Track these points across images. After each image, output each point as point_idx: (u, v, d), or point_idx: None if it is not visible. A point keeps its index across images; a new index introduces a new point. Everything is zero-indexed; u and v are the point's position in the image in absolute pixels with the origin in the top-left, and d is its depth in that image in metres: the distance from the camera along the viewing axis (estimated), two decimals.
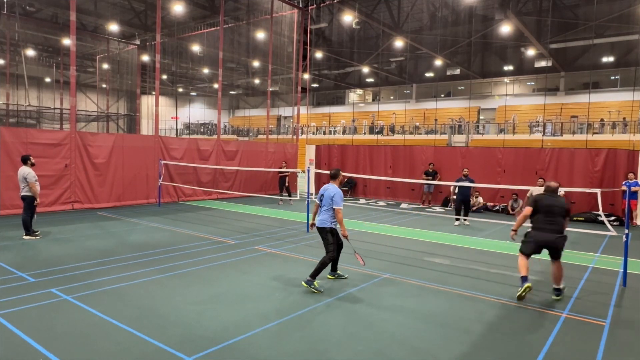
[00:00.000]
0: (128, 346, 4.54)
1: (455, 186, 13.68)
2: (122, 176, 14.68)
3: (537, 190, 11.45)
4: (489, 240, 10.80)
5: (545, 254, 6.57)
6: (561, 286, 6.46)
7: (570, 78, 33.77)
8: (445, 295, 6.49)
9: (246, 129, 44.83)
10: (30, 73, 29.61)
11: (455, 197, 13.75)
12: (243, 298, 6.09)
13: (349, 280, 7.08)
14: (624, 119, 28.73)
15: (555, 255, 6.42)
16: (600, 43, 28.41)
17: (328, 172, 7.02)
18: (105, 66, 31.94)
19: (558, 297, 6.40)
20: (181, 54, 32.65)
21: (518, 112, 33.89)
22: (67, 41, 25.45)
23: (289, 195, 16.99)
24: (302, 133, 32.84)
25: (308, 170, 12.26)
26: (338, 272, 7.13)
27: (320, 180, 20.55)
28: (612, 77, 32.81)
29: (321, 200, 6.70)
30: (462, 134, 31.26)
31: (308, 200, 11.63)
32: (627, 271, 7.26)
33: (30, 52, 30.51)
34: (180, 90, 47.08)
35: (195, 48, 30.73)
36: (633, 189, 12.77)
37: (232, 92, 49.05)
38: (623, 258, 7.19)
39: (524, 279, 6.24)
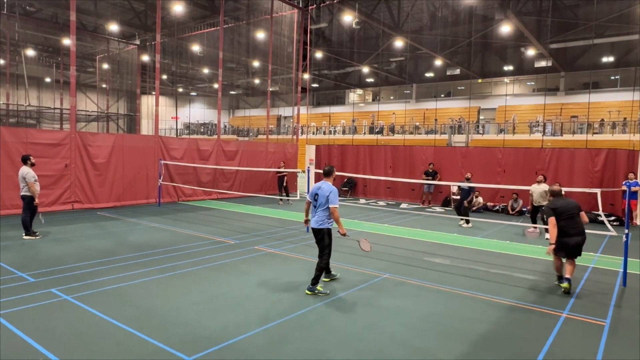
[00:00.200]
0: (128, 346, 4.54)
1: (458, 187, 13.71)
2: (122, 176, 14.68)
3: (536, 188, 11.43)
4: (489, 240, 10.81)
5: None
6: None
7: (570, 78, 33.77)
8: (445, 295, 6.49)
9: (246, 129, 44.83)
10: (30, 73, 29.60)
11: (457, 197, 13.82)
12: (243, 298, 6.09)
13: (349, 280, 7.08)
14: (624, 119, 28.73)
15: (578, 254, 6.83)
16: (600, 43, 28.42)
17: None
18: (105, 66, 31.94)
19: (566, 285, 6.68)
20: (181, 54, 32.64)
21: (518, 112, 33.88)
22: (67, 41, 25.46)
23: (287, 195, 16.99)
24: (302, 133, 32.84)
25: (308, 170, 12.26)
26: (332, 272, 7.07)
27: (320, 180, 20.56)
28: (612, 77, 32.80)
29: (315, 199, 6.44)
30: (462, 134, 31.25)
31: None
32: (627, 271, 7.26)
33: (30, 52, 30.50)
34: (180, 90, 47.08)
35: (195, 48, 30.73)
36: (633, 189, 12.77)
37: (232, 92, 49.05)
38: (623, 258, 7.19)
39: (562, 278, 6.83)
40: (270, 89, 22.82)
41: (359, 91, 46.11)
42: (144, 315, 5.37)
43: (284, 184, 16.93)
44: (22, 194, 9.32)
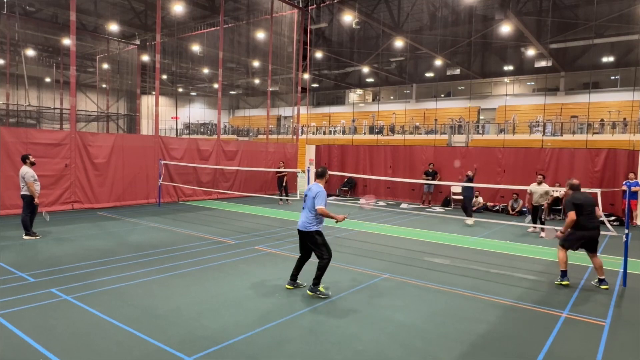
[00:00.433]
0: (128, 346, 4.54)
1: (462, 186, 13.91)
2: (122, 176, 14.67)
3: (535, 187, 11.40)
4: (489, 240, 10.80)
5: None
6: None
7: (570, 78, 33.77)
8: (445, 295, 6.49)
9: (246, 129, 44.83)
10: (30, 73, 29.58)
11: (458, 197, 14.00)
12: (243, 298, 6.09)
13: (349, 280, 7.08)
14: (624, 119, 28.73)
15: (594, 248, 7.01)
16: (600, 43, 28.41)
17: (328, 172, 6.81)
18: (105, 66, 31.93)
19: (606, 287, 6.86)
20: (181, 54, 32.63)
21: (518, 112, 33.88)
22: (67, 41, 25.45)
23: (287, 195, 16.99)
24: (302, 133, 32.84)
25: (308, 170, 12.26)
26: (298, 281, 6.57)
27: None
28: (612, 77, 32.80)
29: (304, 200, 6.31)
30: (462, 134, 31.24)
31: None
32: (627, 271, 7.26)
33: (30, 52, 30.50)
34: (180, 90, 47.08)
35: (195, 48, 30.72)
36: (633, 189, 12.77)
37: (232, 92, 49.05)
38: (623, 258, 7.19)
39: (565, 273, 7.04)
40: (270, 89, 22.81)
41: (359, 91, 46.11)
42: (144, 315, 5.37)
43: (284, 183, 16.94)
44: (22, 193, 9.31)
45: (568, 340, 5.03)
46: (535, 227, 11.70)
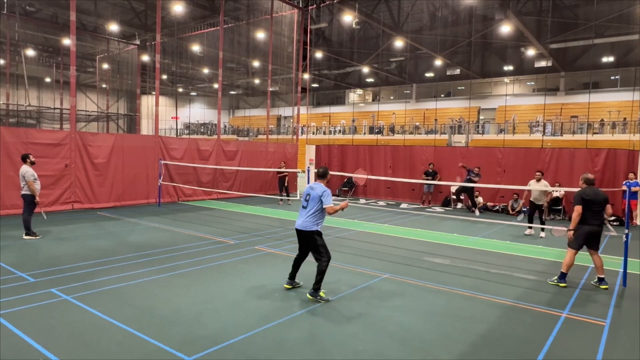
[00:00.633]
0: (128, 346, 4.54)
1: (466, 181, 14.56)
2: (122, 176, 14.67)
3: (535, 185, 11.38)
4: (489, 240, 10.81)
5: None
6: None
7: (570, 78, 33.77)
8: (445, 295, 6.49)
9: (246, 129, 44.82)
10: (30, 73, 29.58)
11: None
12: (243, 298, 6.09)
13: (348, 280, 7.08)
14: (624, 119, 28.73)
15: (597, 245, 7.02)
16: (600, 43, 28.41)
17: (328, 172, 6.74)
18: (105, 66, 31.93)
19: (606, 287, 6.87)
20: (181, 54, 32.64)
21: (518, 112, 33.88)
22: (67, 41, 25.45)
23: (287, 196, 16.98)
24: (302, 133, 32.83)
25: (308, 170, 12.26)
26: (296, 280, 6.56)
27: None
28: (612, 77, 32.80)
29: (306, 200, 6.18)
30: (462, 134, 31.24)
31: None
32: (627, 271, 7.26)
33: (30, 52, 30.49)
34: (180, 90, 47.07)
35: (195, 48, 30.72)
36: (633, 189, 12.77)
37: (232, 92, 49.04)
38: (623, 258, 7.19)
39: (564, 275, 7.04)
40: (270, 89, 22.81)
41: (359, 91, 46.11)
42: (144, 315, 5.37)
43: (285, 184, 16.91)
44: (22, 193, 9.32)
45: (568, 340, 5.03)
46: (531, 229, 11.69)
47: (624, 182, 13.48)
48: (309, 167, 12.75)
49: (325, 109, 45.85)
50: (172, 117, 42.85)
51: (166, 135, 26.17)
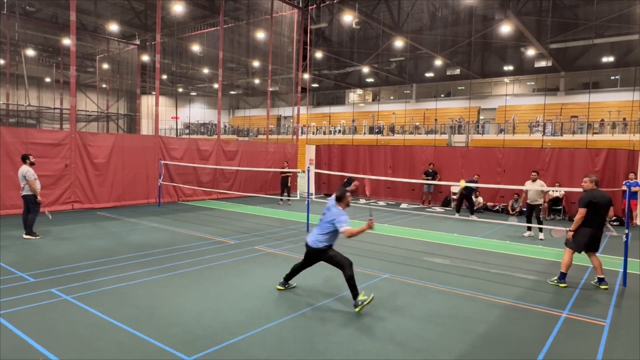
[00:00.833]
0: (128, 346, 4.54)
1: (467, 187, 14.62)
2: (122, 176, 14.67)
3: (531, 185, 11.29)
4: (489, 240, 10.80)
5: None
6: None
7: (570, 78, 33.77)
8: (445, 295, 6.49)
9: (246, 129, 44.82)
10: (30, 73, 29.57)
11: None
12: (243, 298, 6.09)
13: None
14: (624, 119, 28.72)
15: (597, 247, 7.03)
16: (600, 43, 28.41)
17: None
18: (105, 66, 31.93)
19: (606, 287, 6.89)
20: (181, 54, 32.64)
21: (518, 112, 33.88)
22: (67, 41, 25.44)
23: (289, 196, 16.97)
24: (302, 133, 32.83)
25: (308, 171, 12.26)
26: (290, 281, 6.56)
27: (320, 181, 20.55)
28: (612, 77, 32.80)
29: (324, 215, 6.06)
30: (462, 134, 31.25)
31: (308, 201, 11.65)
32: (627, 271, 7.26)
33: (30, 52, 30.49)
34: (180, 90, 47.07)
35: (195, 48, 30.72)
36: (633, 189, 12.77)
37: (232, 92, 49.03)
38: (623, 258, 7.19)
39: (564, 276, 7.06)
40: (270, 89, 22.81)
41: (359, 91, 46.10)
42: (144, 315, 5.37)
43: (288, 184, 16.88)
44: (23, 194, 9.31)
45: (568, 340, 5.03)
46: (530, 230, 11.66)
47: (624, 182, 13.48)
48: (309, 167, 12.76)
49: (325, 109, 45.85)
50: (172, 117, 42.85)
51: (166, 135, 26.17)
